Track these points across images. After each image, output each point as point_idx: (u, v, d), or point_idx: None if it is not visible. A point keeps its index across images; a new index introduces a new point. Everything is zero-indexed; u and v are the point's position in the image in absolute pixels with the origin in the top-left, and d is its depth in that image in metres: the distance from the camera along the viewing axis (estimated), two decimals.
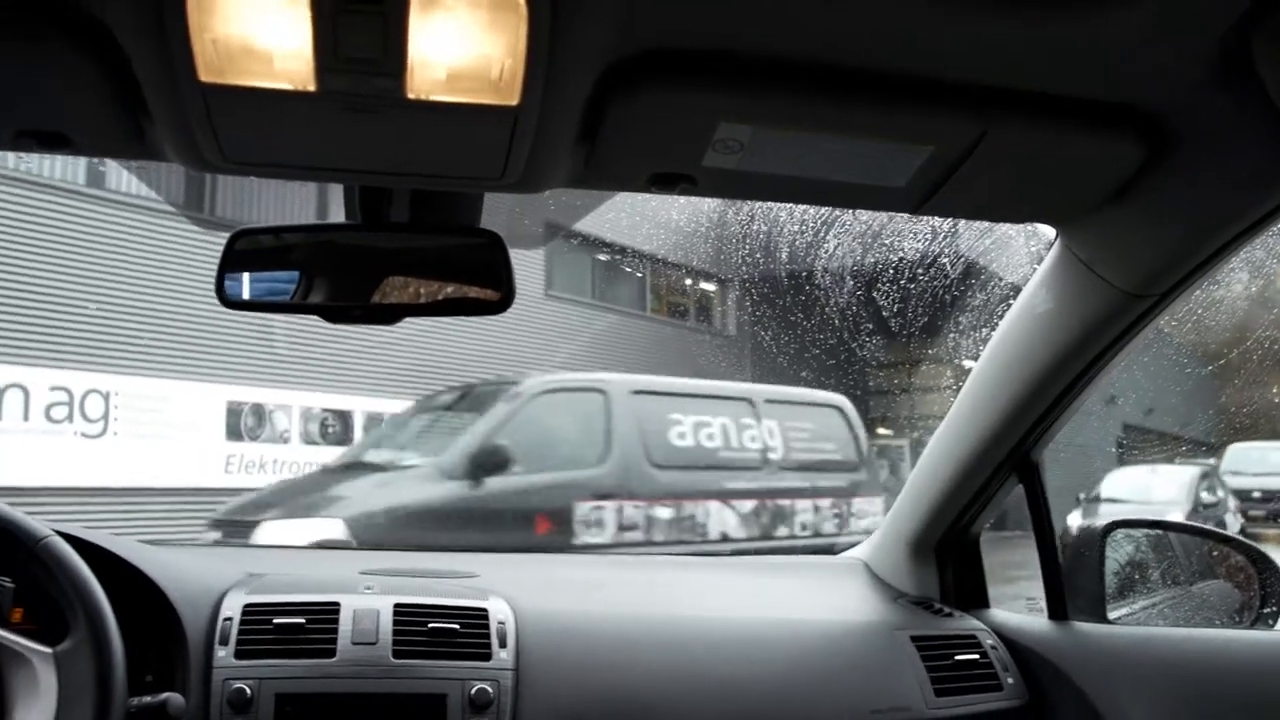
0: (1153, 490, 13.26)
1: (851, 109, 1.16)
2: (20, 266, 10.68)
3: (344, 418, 14.04)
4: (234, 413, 12.94)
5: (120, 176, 11.47)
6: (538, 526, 8.25)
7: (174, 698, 1.61)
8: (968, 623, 2.14)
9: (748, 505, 9.74)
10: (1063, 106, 1.20)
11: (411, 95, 1.04)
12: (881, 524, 2.42)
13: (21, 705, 1.42)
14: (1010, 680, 2.04)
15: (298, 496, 8.37)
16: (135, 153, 1.23)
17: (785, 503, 10.03)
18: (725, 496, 9.53)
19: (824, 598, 2.22)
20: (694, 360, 17.30)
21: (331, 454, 13.67)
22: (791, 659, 1.96)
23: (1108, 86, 1.19)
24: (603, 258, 16.09)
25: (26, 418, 11.03)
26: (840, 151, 1.25)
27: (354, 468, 8.93)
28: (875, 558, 2.40)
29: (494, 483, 8.13)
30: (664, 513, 9.06)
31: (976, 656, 2.05)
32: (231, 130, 1.13)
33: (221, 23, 0.95)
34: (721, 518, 9.48)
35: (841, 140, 1.23)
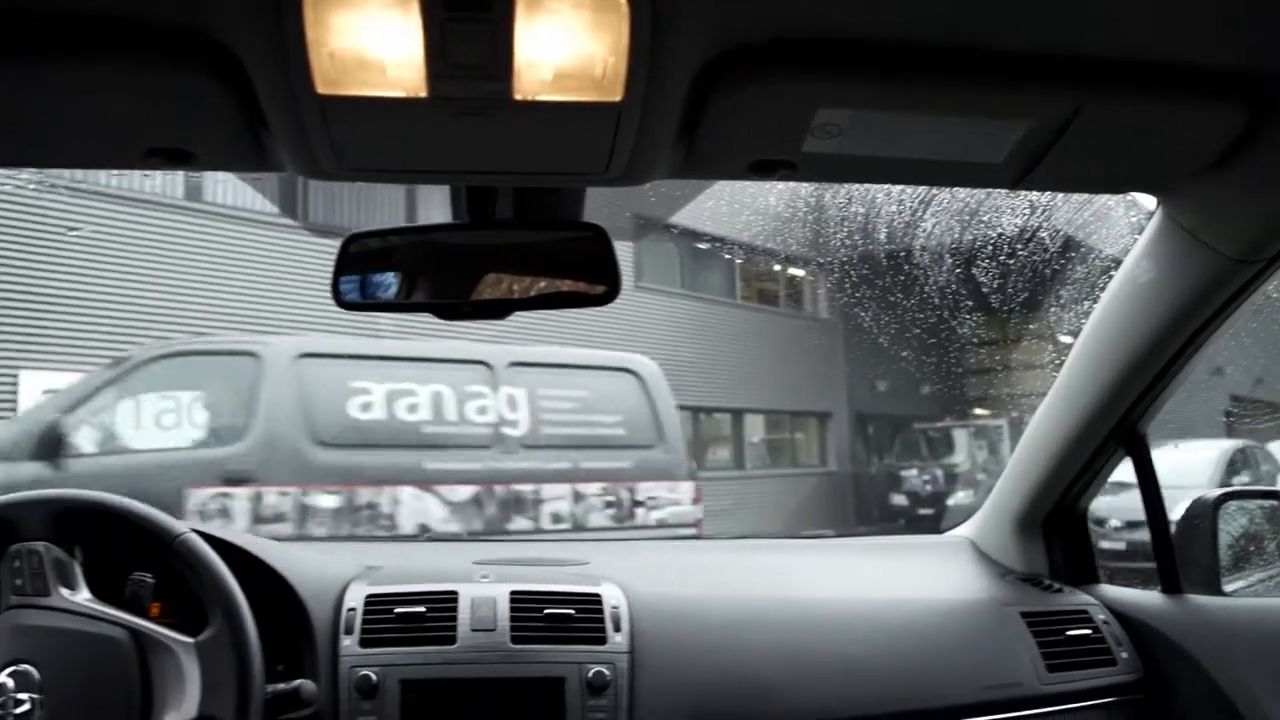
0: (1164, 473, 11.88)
1: (947, 88, 1.18)
2: (108, 276, 10.93)
3: None
4: None
5: (216, 189, 11.74)
6: None
7: (306, 684, 1.68)
8: (1078, 598, 2.14)
9: (463, 492, 7.68)
10: (1162, 74, 1.19)
11: (518, 97, 1.08)
12: (986, 502, 2.42)
13: (169, 693, 1.50)
14: (1124, 655, 2.03)
15: None
16: (255, 165, 1.28)
17: (525, 488, 7.91)
18: (427, 481, 7.57)
19: (931, 576, 2.23)
20: (786, 345, 17.27)
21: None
22: (902, 637, 1.97)
23: (1209, 51, 1.18)
24: (692, 247, 16.08)
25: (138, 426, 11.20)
26: (937, 131, 1.26)
27: None
28: (981, 535, 2.40)
29: (83, 464, 6.63)
30: (326, 501, 7.14)
31: (1088, 631, 2.05)
32: (347, 139, 1.17)
33: (337, 37, 1.00)
34: (418, 507, 7.46)
35: (939, 119, 1.24)
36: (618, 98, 1.08)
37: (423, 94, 1.07)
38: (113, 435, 7.13)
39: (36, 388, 9.65)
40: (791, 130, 1.23)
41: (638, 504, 8.28)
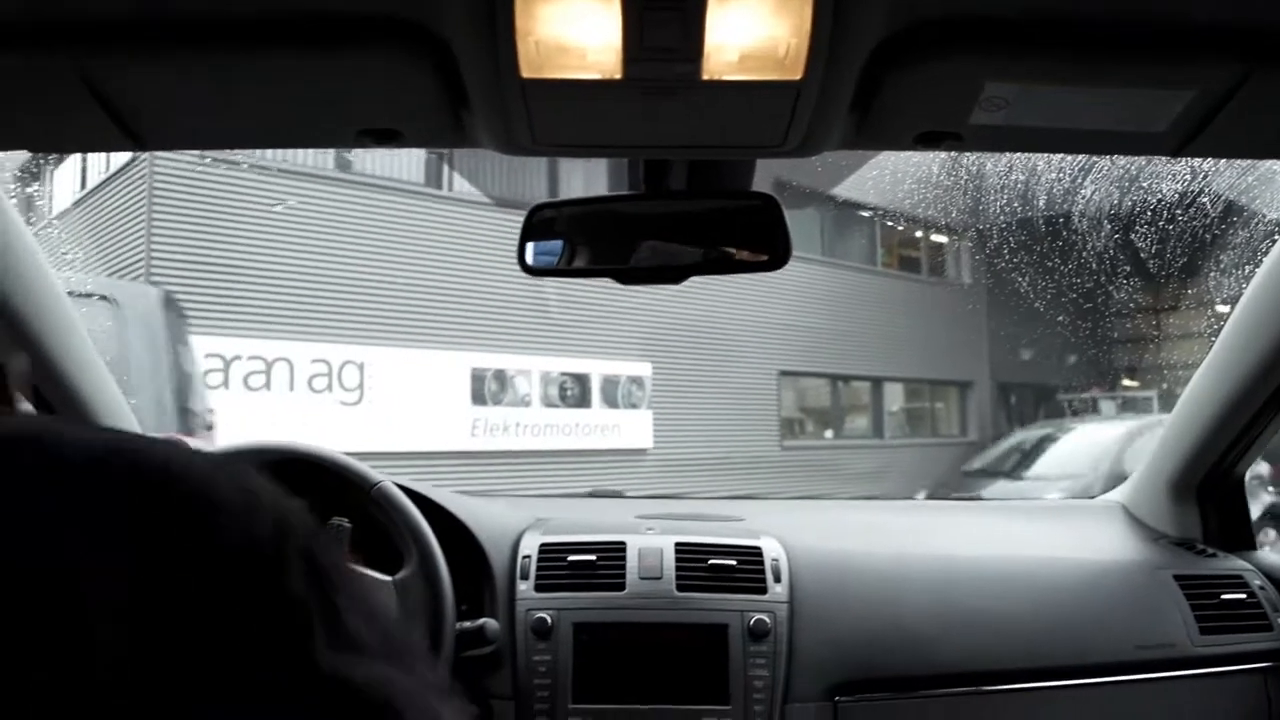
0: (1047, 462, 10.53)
1: (1111, 61, 1.22)
2: (278, 249, 11.41)
3: (581, 380, 14.46)
4: (478, 378, 13.44)
5: (364, 161, 12.12)
6: None
7: (490, 622, 1.82)
8: (1233, 563, 2.15)
9: None
10: None
11: (706, 77, 1.16)
12: (1140, 467, 2.43)
13: None
14: None
15: None
16: (454, 142, 1.39)
17: None
18: None
19: (1084, 538, 2.26)
20: (927, 313, 17.07)
21: (571, 416, 14.14)
22: (1053, 595, 2.02)
23: None
24: (833, 214, 16.01)
25: (292, 388, 11.76)
26: (1101, 101, 1.30)
27: None
28: (1134, 500, 2.42)
29: None
30: None
31: (1243, 596, 2.06)
32: (543, 117, 1.27)
33: (543, 26, 1.09)
34: None
35: (1102, 91, 1.28)
36: (798, 76, 1.16)
37: (617, 76, 1.16)
38: None
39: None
40: (959, 103, 1.28)
41: None
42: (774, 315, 15.10)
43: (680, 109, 1.26)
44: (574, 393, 14.40)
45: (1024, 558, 2.11)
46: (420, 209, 12.50)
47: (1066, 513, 2.58)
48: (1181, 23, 1.17)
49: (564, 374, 14.38)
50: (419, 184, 12.89)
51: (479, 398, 13.44)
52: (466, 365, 13.25)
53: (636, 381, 14.75)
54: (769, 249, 1.57)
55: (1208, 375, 2.12)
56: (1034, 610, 1.99)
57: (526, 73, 1.15)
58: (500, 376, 13.71)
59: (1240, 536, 2.26)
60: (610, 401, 14.55)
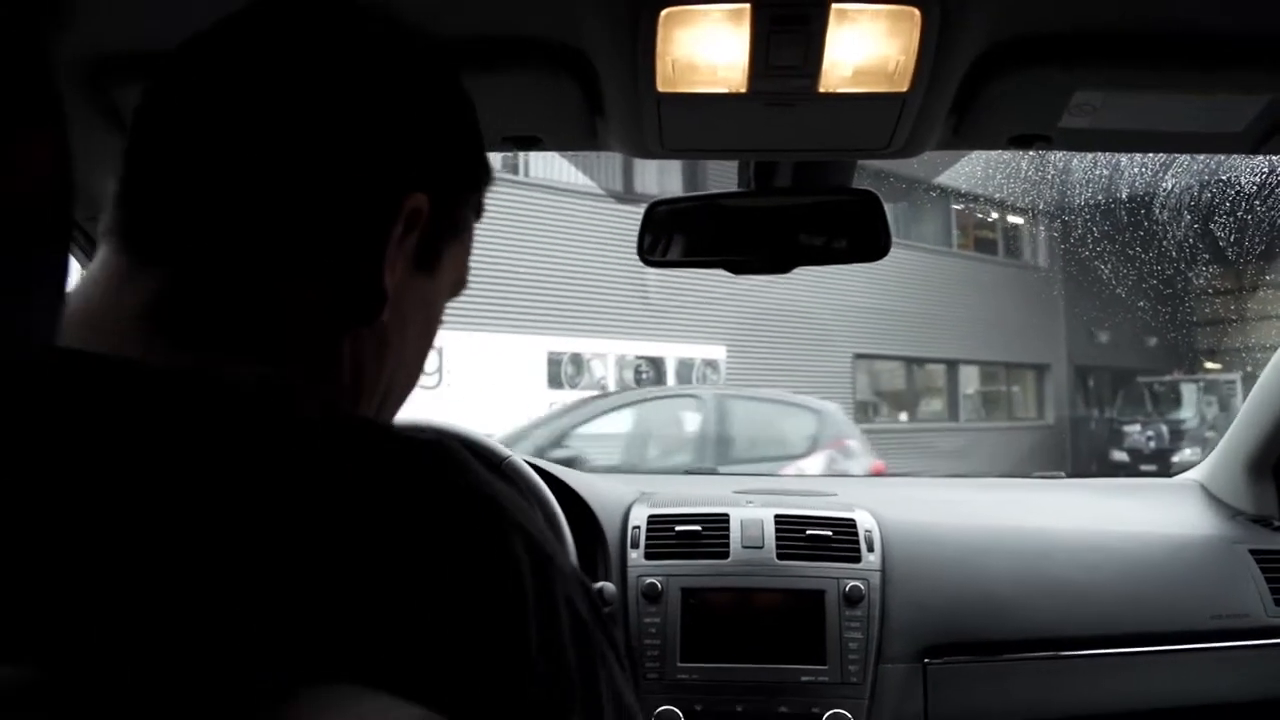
0: None
1: (1192, 68, 1.32)
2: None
3: (656, 364, 14.57)
4: (554, 362, 13.58)
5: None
6: None
7: (608, 586, 1.98)
8: None
9: None
10: None
11: (822, 90, 1.29)
12: (1218, 445, 2.53)
13: None
14: None
15: None
16: (589, 147, 1.55)
17: None
18: None
19: (1162, 514, 2.35)
20: (1003, 295, 16.97)
21: None
22: (1132, 566, 2.12)
23: None
24: (909, 195, 15.99)
25: None
26: (1182, 105, 1.41)
27: None
28: (1211, 478, 2.50)
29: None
30: None
31: None
32: (673, 125, 1.41)
33: (679, 46, 1.23)
34: None
35: (1183, 96, 1.39)
36: (904, 88, 1.29)
37: (743, 90, 1.29)
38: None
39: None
40: (1050, 109, 1.40)
41: None
42: (849, 298, 15.14)
43: (796, 117, 1.40)
44: (649, 376, 14.52)
45: (1104, 531, 2.21)
46: (496, 194, 12.67)
47: (1146, 490, 2.68)
48: (1256, 34, 1.28)
49: (639, 357, 14.49)
50: (496, 169, 13.05)
51: (555, 381, 13.57)
52: (543, 349, 13.39)
53: (711, 365, 14.85)
54: (870, 241, 1.70)
55: None
56: (1113, 581, 2.09)
57: (662, 87, 1.29)
58: (576, 360, 13.85)
59: None
60: (685, 384, 14.66)
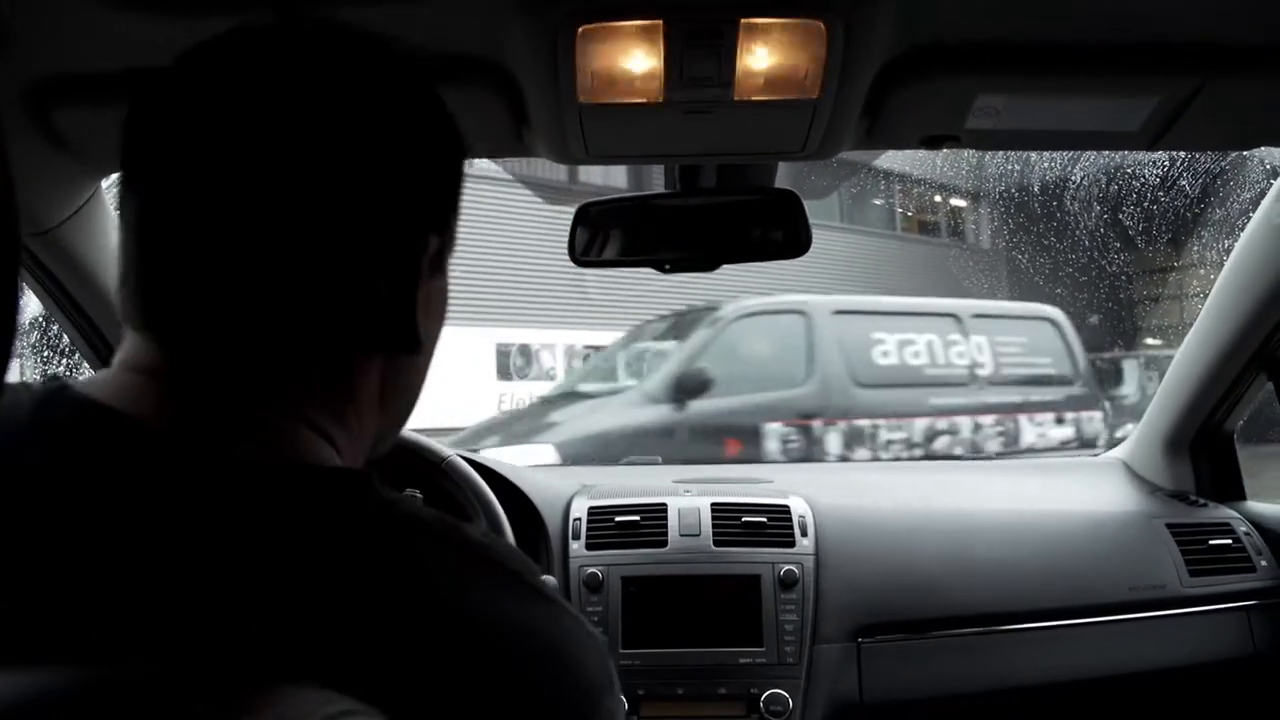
0: None
1: (1084, 74, 1.39)
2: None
3: None
4: (503, 353, 13.52)
5: None
6: (728, 448, 8.17)
7: (550, 579, 2.03)
8: (1222, 512, 2.34)
9: (958, 422, 9.47)
10: (1276, 55, 1.37)
11: (736, 98, 1.35)
12: (1139, 425, 2.62)
13: None
14: (1264, 563, 2.23)
15: (514, 425, 8.85)
16: (515, 154, 1.60)
17: (994, 418, 9.67)
18: (931, 413, 9.31)
19: (1086, 492, 2.44)
20: (948, 275, 17.11)
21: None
22: (1056, 544, 2.21)
23: None
24: (851, 180, 16.08)
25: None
26: (1080, 107, 1.48)
27: (567, 397, 9.28)
28: (1133, 456, 2.60)
29: (697, 405, 8.18)
30: (869, 430, 8.85)
31: (1229, 541, 2.24)
32: (596, 133, 1.47)
33: (598, 61, 1.29)
34: (922, 434, 9.19)
35: (1081, 98, 1.47)
36: (815, 95, 1.35)
37: (661, 100, 1.35)
38: (714, 382, 8.44)
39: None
40: (956, 112, 1.47)
41: (1066, 429, 9.96)
42: (796, 283, 15.21)
43: (713, 124, 1.46)
44: None
45: (1029, 510, 2.30)
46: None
47: (1071, 469, 2.78)
48: (1144, 41, 1.35)
49: (588, 347, 14.46)
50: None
51: (504, 372, 13.50)
52: (491, 341, 13.33)
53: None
54: (792, 237, 1.77)
55: (1196, 337, 2.30)
56: (1037, 558, 2.18)
57: (583, 99, 1.35)
58: (525, 351, 13.79)
59: (1230, 488, 2.44)
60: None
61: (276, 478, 0.70)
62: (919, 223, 18.56)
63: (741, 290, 13.87)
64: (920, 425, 9.22)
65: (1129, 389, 17.35)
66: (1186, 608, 2.16)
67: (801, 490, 2.26)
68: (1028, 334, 10.21)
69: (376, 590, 0.66)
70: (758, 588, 2.06)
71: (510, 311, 13.20)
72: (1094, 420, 10.19)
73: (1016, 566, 2.16)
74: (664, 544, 2.11)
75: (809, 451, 8.44)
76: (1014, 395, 9.82)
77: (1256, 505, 2.39)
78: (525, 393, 13.48)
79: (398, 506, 0.73)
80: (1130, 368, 17.57)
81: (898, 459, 8.75)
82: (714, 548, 2.10)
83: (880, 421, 8.95)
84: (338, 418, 0.78)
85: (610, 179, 10.34)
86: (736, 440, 8.27)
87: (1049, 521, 2.26)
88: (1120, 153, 3.24)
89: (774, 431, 8.35)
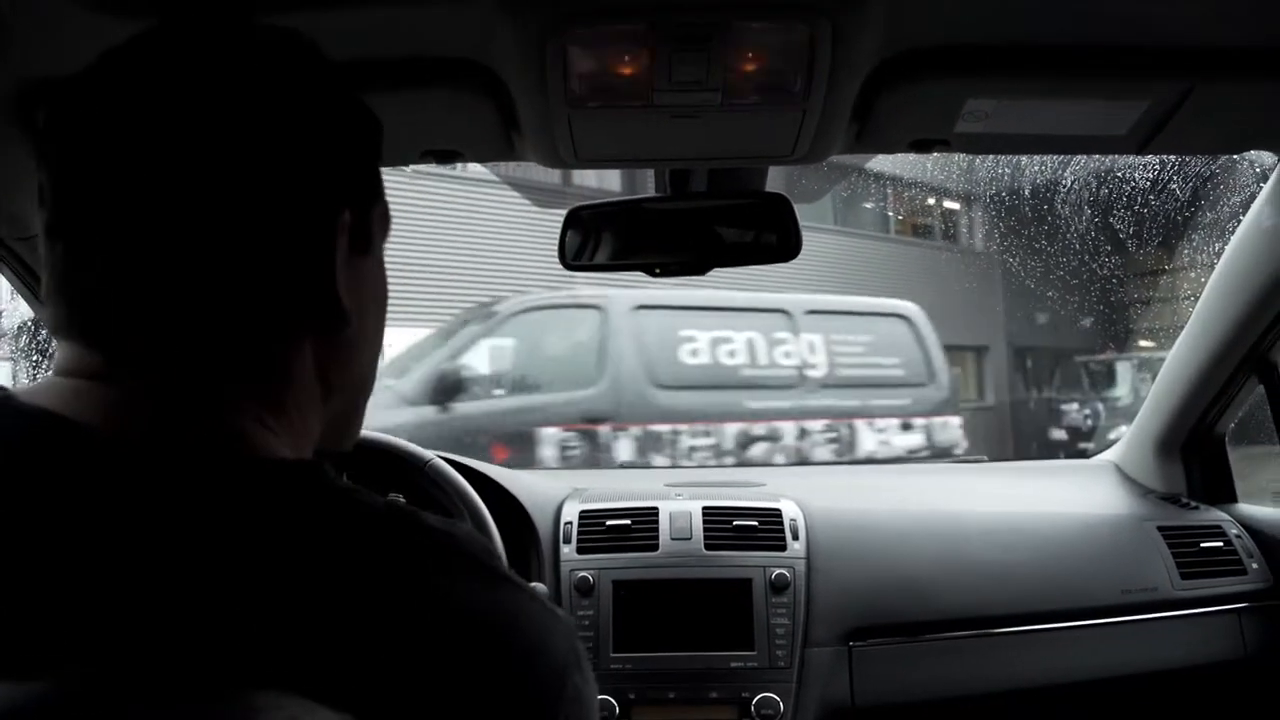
0: None
1: (1072, 79, 1.40)
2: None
3: None
4: None
5: None
6: (495, 454, 7.34)
7: (540, 586, 2.03)
8: (1213, 514, 2.34)
9: (780, 428, 8.82)
10: (1264, 58, 1.36)
11: (725, 102, 1.36)
12: (1130, 428, 2.62)
13: None
14: (1255, 565, 2.23)
15: None
16: (507, 158, 1.60)
17: (824, 424, 9.06)
18: (746, 418, 8.68)
19: (1077, 495, 2.45)
20: (941, 279, 17.12)
21: None
22: (1048, 547, 2.21)
23: None
24: (844, 183, 16.09)
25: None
26: (1069, 111, 1.49)
27: None
28: (1125, 459, 2.61)
29: (463, 408, 7.77)
30: (666, 435, 8.26)
31: (1220, 544, 2.25)
32: (584, 138, 1.47)
33: (586, 65, 1.29)
34: (735, 438, 8.56)
35: (1069, 102, 1.47)
36: (804, 100, 1.35)
37: (649, 104, 1.35)
38: (485, 381, 8.10)
39: None
40: (945, 116, 1.47)
41: (913, 435, 9.39)
42: (788, 285, 15.21)
43: (702, 128, 1.46)
44: None
45: (1021, 513, 2.30)
46: (426, 189, 12.59)
47: (1063, 472, 2.79)
48: (1132, 45, 1.35)
49: None
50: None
51: None
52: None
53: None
54: (782, 241, 1.77)
55: (1187, 341, 2.30)
56: (1029, 561, 2.18)
57: (571, 102, 1.35)
58: None
59: (1222, 490, 2.44)
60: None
61: (225, 474, 0.70)
62: (912, 225, 18.57)
63: (736, 290, 13.91)
64: (731, 430, 8.60)
65: (1122, 390, 17.41)
66: (1178, 610, 2.16)
67: (794, 493, 2.26)
68: (875, 332, 9.64)
69: (333, 582, 0.66)
70: (749, 591, 2.05)
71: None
72: (949, 426, 9.60)
73: (1008, 569, 2.16)
74: (655, 548, 2.11)
75: (594, 459, 7.90)
76: (851, 399, 9.27)
77: (1248, 508, 2.39)
78: None
79: (351, 496, 0.73)
80: (1123, 370, 17.61)
81: (703, 466, 8.16)
82: (705, 551, 2.10)
83: (682, 426, 8.42)
84: (277, 405, 0.78)
85: (604, 182, 10.30)
86: (504, 446, 7.69)
87: (1041, 524, 2.26)
88: (1110, 156, 3.24)
89: (550, 437, 7.94)
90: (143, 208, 0.73)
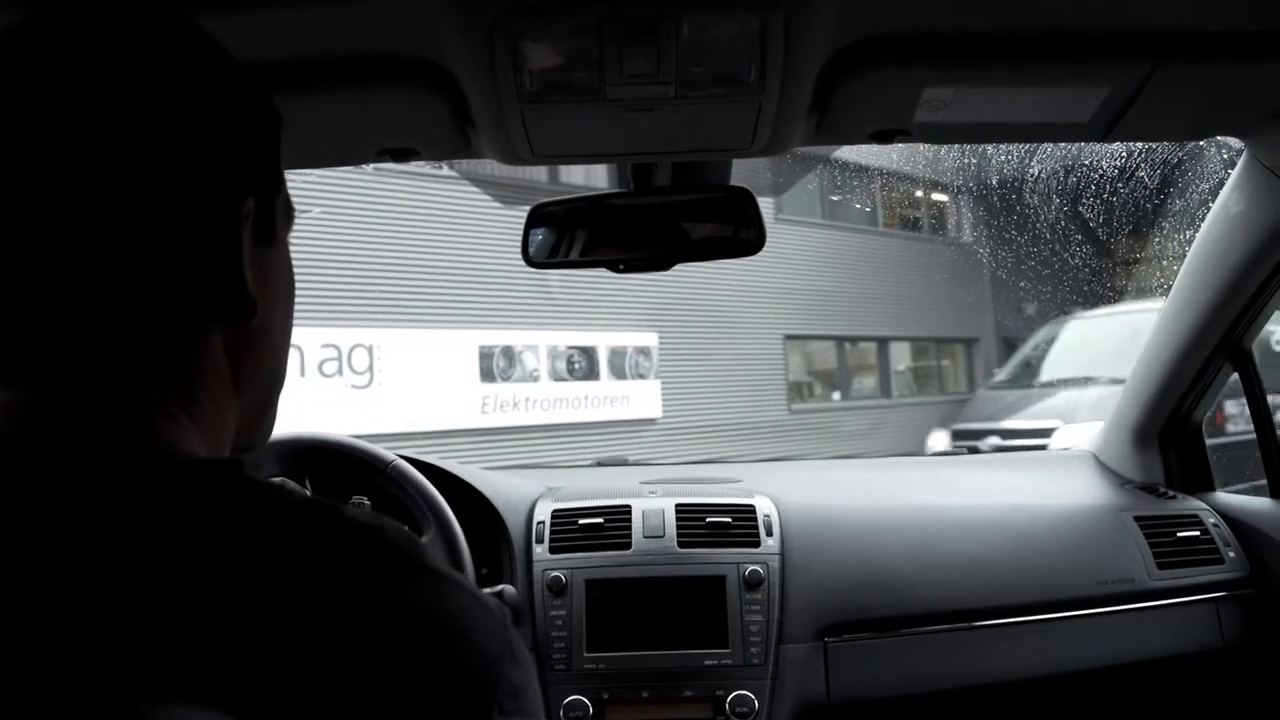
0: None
1: (1031, 65, 1.38)
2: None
3: (589, 353, 14.54)
4: (486, 355, 13.46)
5: None
6: None
7: (508, 588, 2.01)
8: (1190, 504, 2.33)
9: None
10: (1224, 40, 1.35)
11: (679, 95, 1.34)
12: (1107, 418, 2.61)
13: None
14: (1231, 554, 2.22)
15: None
16: (463, 155, 1.59)
17: None
18: None
19: (1054, 486, 2.44)
20: (930, 272, 17.14)
21: (580, 389, 14.25)
22: (1024, 539, 2.20)
23: (1272, 18, 1.34)
24: (831, 177, 16.10)
25: (303, 374, 11.70)
26: (1030, 98, 1.47)
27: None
28: (1102, 449, 2.60)
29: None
30: None
31: (1197, 533, 2.23)
32: (539, 133, 1.46)
33: (536, 59, 1.27)
34: None
35: (1029, 89, 1.45)
36: (760, 91, 1.34)
37: (602, 98, 1.34)
38: None
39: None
40: (904, 106, 1.46)
41: None
42: (777, 280, 15.22)
43: (658, 121, 1.44)
44: (582, 366, 14.47)
45: (997, 505, 2.29)
46: (421, 189, 12.59)
47: (1040, 463, 2.77)
48: (1090, 30, 1.34)
49: (571, 348, 14.43)
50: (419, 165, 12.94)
51: (488, 375, 13.43)
52: (474, 343, 13.30)
53: (643, 352, 14.85)
54: (746, 235, 1.75)
55: (1160, 331, 2.29)
56: (1005, 553, 2.16)
57: (524, 98, 1.33)
58: (508, 353, 13.73)
59: (1199, 479, 2.44)
60: (618, 373, 14.64)
61: (135, 473, 0.68)
62: (900, 217, 18.58)
63: (728, 286, 13.94)
64: None
65: None
66: (1155, 601, 2.15)
67: (768, 489, 2.25)
68: None
69: (247, 582, 0.64)
70: (722, 589, 2.04)
71: (492, 313, 13.15)
72: None
73: (984, 562, 2.15)
74: (628, 546, 2.10)
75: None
76: None
77: (1225, 496, 2.38)
78: (510, 394, 13.47)
79: (270, 493, 0.72)
80: None
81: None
82: (678, 549, 2.09)
83: None
84: (188, 398, 0.76)
85: (592, 179, 10.30)
86: None
87: (1017, 516, 2.25)
88: (1081, 145, 3.24)
89: None
90: (27, 199, 0.71)
